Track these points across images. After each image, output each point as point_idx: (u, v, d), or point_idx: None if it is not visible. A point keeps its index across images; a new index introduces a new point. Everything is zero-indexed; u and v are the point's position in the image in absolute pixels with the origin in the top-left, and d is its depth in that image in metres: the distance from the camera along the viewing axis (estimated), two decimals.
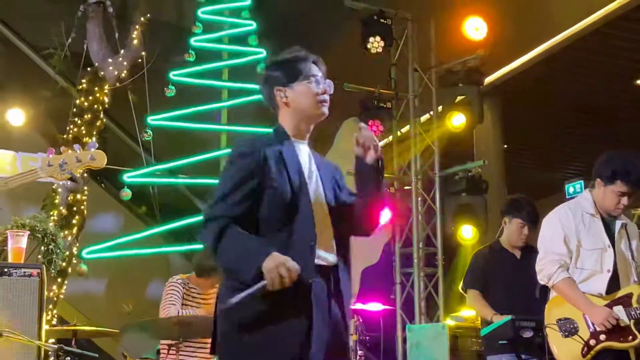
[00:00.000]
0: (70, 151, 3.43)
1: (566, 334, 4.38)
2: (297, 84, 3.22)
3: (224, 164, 3.26)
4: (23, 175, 3.39)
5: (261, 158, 3.07)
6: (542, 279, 4.54)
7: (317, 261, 3.05)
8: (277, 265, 2.85)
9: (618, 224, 4.60)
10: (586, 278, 4.46)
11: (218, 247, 2.97)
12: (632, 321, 4.31)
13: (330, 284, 3.09)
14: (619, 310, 4.31)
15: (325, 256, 3.10)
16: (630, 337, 4.30)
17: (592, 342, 4.31)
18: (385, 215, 8.99)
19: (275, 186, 3.06)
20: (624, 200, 4.50)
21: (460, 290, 6.16)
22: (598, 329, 4.30)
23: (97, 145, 3.51)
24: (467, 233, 9.01)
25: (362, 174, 3.18)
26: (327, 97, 3.25)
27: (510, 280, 5.62)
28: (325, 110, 3.24)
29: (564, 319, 4.42)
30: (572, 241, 4.50)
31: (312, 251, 3.03)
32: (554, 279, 4.43)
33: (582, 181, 11.69)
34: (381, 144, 10.08)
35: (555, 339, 4.42)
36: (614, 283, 4.45)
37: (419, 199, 9.42)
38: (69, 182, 8.10)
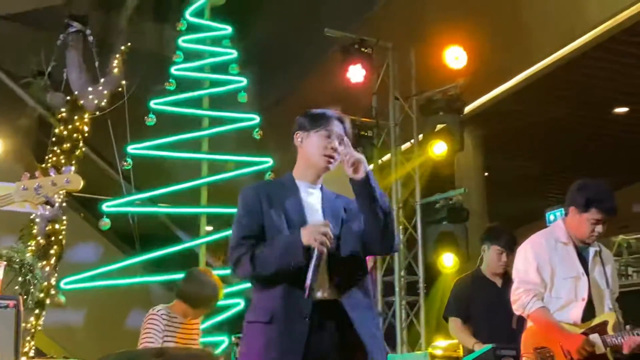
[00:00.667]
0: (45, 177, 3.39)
1: None
2: (313, 133, 3.48)
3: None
4: None
5: (262, 199, 3.38)
6: (517, 309, 4.53)
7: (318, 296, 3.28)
8: (312, 232, 3.16)
9: (591, 251, 4.59)
10: (562, 307, 4.45)
11: (257, 267, 3.24)
12: (608, 349, 4.29)
13: (331, 318, 3.29)
14: (594, 338, 4.30)
15: (322, 291, 3.30)
16: None
17: None
18: None
19: (274, 225, 3.34)
20: (598, 228, 4.49)
21: (442, 319, 6.15)
22: (574, 357, 4.28)
23: (72, 169, 3.48)
24: (448, 261, 9.00)
25: (358, 193, 3.34)
26: (334, 154, 3.43)
27: (492, 309, 5.61)
28: (329, 165, 3.45)
29: (540, 348, 4.40)
30: (545, 270, 4.49)
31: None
32: (529, 309, 4.42)
33: (562, 209, 11.76)
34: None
35: None
36: (589, 311, 4.43)
37: (401, 227, 9.42)
38: (47, 212, 8.03)
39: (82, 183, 3.37)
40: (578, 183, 4.62)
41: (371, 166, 9.54)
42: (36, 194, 3.28)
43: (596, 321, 4.39)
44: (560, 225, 4.64)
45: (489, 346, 5.27)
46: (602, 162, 13.83)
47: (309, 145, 3.48)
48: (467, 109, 9.96)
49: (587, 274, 4.49)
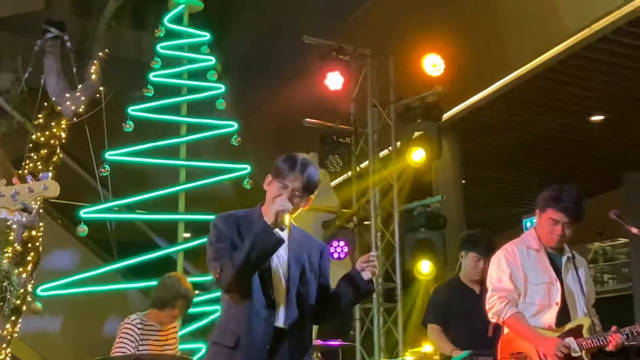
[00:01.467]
0: (21, 183, 3.38)
1: None
2: (275, 181, 3.64)
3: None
4: None
5: (234, 228, 3.59)
6: (492, 316, 4.59)
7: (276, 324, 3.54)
8: (271, 210, 3.44)
9: (563, 257, 4.65)
10: (536, 312, 4.51)
11: (236, 265, 3.41)
12: (583, 351, 4.35)
13: (285, 346, 3.54)
14: (570, 341, 4.36)
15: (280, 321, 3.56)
16: None
17: None
18: (344, 250, 8.99)
19: None
20: (557, 229, 4.53)
21: (421, 325, 6.18)
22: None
23: (50, 175, 3.48)
24: (424, 268, 9.03)
25: (354, 282, 3.68)
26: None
27: (470, 315, 5.64)
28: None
29: (517, 353, 4.46)
30: (518, 278, 4.56)
31: (268, 317, 3.52)
32: (504, 315, 4.48)
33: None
34: (340, 179, 10.15)
35: None
36: (563, 315, 4.49)
37: (378, 234, 9.44)
38: (24, 218, 7.98)
39: (59, 190, 3.36)
40: (546, 188, 4.69)
41: (349, 173, 9.60)
42: (13, 201, 3.26)
43: (570, 325, 4.46)
44: (532, 234, 4.72)
45: (466, 352, 5.31)
46: (578, 170, 13.95)
47: (269, 191, 3.68)
48: (445, 116, 10.01)
49: (560, 280, 4.55)
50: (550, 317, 4.49)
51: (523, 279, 4.54)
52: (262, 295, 3.52)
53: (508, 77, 10.52)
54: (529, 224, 12.10)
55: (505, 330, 4.61)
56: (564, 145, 13.11)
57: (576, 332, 4.42)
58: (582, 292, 4.59)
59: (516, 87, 10.66)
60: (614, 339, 4.33)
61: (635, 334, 4.39)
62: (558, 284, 4.54)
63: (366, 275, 3.65)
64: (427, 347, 7.08)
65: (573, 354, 4.33)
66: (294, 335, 3.57)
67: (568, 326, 4.45)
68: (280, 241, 3.45)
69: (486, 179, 14.58)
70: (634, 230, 4.70)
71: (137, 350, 5.10)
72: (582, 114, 12.04)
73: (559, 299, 4.50)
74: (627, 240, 17.03)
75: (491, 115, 11.62)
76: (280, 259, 3.62)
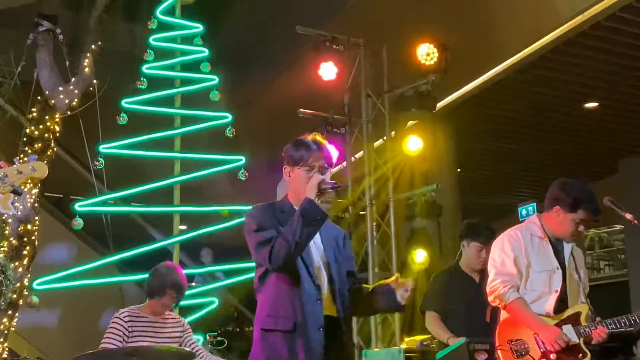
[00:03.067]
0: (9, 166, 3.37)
1: (517, 354, 4.42)
2: (298, 169, 3.76)
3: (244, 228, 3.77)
4: None
5: (272, 217, 3.69)
6: (493, 300, 4.58)
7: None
8: (311, 185, 3.58)
9: (567, 247, 4.68)
10: (536, 299, 4.53)
11: (289, 242, 3.48)
12: (581, 339, 4.38)
13: (333, 334, 3.61)
14: (568, 330, 4.38)
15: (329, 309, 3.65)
16: (580, 355, 4.37)
17: None
18: None
19: None
20: (582, 229, 4.61)
21: (418, 313, 6.20)
22: (548, 348, 4.36)
23: (37, 157, 3.47)
24: (419, 257, 9.05)
25: (385, 296, 3.75)
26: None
27: (469, 304, 5.67)
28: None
29: (515, 340, 4.47)
30: (522, 263, 4.56)
31: (318, 298, 3.62)
32: (506, 300, 4.47)
33: (534, 204, 11.88)
34: (335, 169, 10.15)
35: None
36: (562, 303, 4.52)
37: (374, 223, 9.45)
38: (19, 212, 7.98)
39: (47, 170, 3.36)
40: (562, 182, 4.70)
41: (344, 163, 9.60)
42: (2, 183, 3.25)
43: (569, 312, 4.48)
44: (536, 221, 4.72)
45: (462, 340, 5.32)
46: (572, 157, 13.97)
47: (295, 180, 3.77)
48: (439, 105, 10.02)
49: (563, 268, 4.57)
50: (549, 304, 4.51)
51: (526, 265, 4.55)
52: (309, 277, 3.61)
53: (502, 65, 10.52)
54: (524, 211, 12.11)
55: (504, 315, 4.62)
56: (558, 133, 13.12)
57: (574, 320, 4.44)
58: (581, 282, 4.63)
59: (510, 75, 10.67)
60: (599, 332, 4.36)
61: (620, 325, 4.40)
62: (560, 272, 4.56)
63: (400, 298, 3.70)
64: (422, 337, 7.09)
65: (570, 343, 4.36)
66: (342, 317, 3.68)
67: (567, 313, 4.47)
68: (326, 214, 3.57)
69: (481, 167, 14.59)
70: (629, 216, 4.72)
71: (127, 344, 5.10)
72: (577, 101, 12.05)
73: (559, 287, 4.53)
74: (622, 226, 17.06)
75: (485, 104, 11.63)
76: (315, 242, 3.72)
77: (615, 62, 10.67)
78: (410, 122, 9.35)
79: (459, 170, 12.66)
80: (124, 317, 5.23)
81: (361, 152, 9.73)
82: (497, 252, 4.67)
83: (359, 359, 7.84)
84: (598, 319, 4.46)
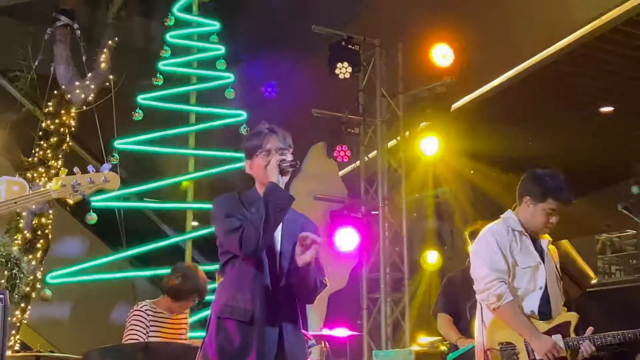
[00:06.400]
0: (82, 173, 3.39)
1: (507, 359, 4.28)
2: (256, 157, 3.76)
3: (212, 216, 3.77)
4: (36, 195, 3.33)
5: (240, 205, 3.66)
6: (486, 298, 4.36)
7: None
8: (271, 167, 3.61)
9: (544, 242, 4.57)
10: (520, 297, 4.38)
11: (260, 230, 3.47)
12: (569, 351, 4.27)
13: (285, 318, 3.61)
14: (557, 340, 4.25)
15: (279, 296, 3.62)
16: None
17: None
18: (353, 241, 9.01)
19: None
20: (553, 219, 4.48)
21: (429, 315, 6.20)
22: (540, 357, 4.23)
23: (110, 166, 3.48)
24: (431, 258, 9.05)
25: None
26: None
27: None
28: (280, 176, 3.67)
29: (505, 343, 4.31)
30: (508, 258, 4.42)
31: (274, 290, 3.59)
32: (502, 301, 4.29)
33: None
34: (348, 169, 10.16)
35: None
36: (545, 300, 4.39)
37: (386, 224, 9.45)
38: (33, 206, 8.02)
39: (119, 182, 3.39)
40: (530, 172, 4.66)
41: (358, 162, 9.61)
42: (73, 191, 3.28)
43: (559, 320, 4.36)
44: (512, 216, 4.61)
45: (473, 344, 5.30)
46: (587, 161, 13.90)
47: (255, 169, 3.77)
48: (454, 106, 10.00)
49: (544, 264, 4.47)
50: (533, 302, 4.37)
51: (512, 262, 4.42)
52: (268, 269, 3.59)
53: (517, 68, 10.48)
54: None
55: (491, 316, 4.43)
56: (573, 137, 13.07)
57: (564, 329, 4.32)
58: (560, 277, 4.55)
59: (525, 78, 10.62)
60: (585, 349, 4.25)
61: (606, 341, 4.28)
62: (542, 267, 4.44)
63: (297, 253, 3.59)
64: (432, 338, 7.10)
65: (560, 354, 4.24)
66: (290, 304, 3.64)
67: (556, 320, 4.34)
68: (291, 196, 3.58)
69: (494, 169, 14.55)
70: None
71: (147, 337, 5.14)
72: (592, 105, 12.00)
73: (543, 284, 4.41)
74: (635, 231, 16.98)
75: (500, 106, 11.59)
76: (274, 236, 3.68)
77: (631, 67, 10.62)
78: (424, 123, 9.35)
79: (472, 172, 12.63)
80: (145, 310, 5.26)
81: (374, 152, 9.73)
82: (483, 248, 4.50)
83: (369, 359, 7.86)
84: (590, 330, 4.32)
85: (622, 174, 14.57)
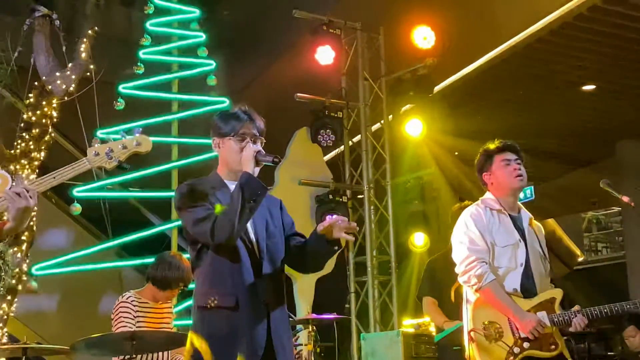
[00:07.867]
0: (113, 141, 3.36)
1: (491, 339, 4.29)
2: (228, 139, 3.69)
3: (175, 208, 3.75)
4: (73, 168, 3.30)
5: (204, 193, 3.61)
6: (468, 280, 4.38)
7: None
8: (245, 156, 3.56)
9: (524, 217, 4.61)
10: (502, 275, 4.39)
11: (235, 220, 3.41)
12: (554, 328, 4.29)
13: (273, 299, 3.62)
14: (542, 317, 4.27)
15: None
16: (553, 347, 4.28)
17: (516, 349, 4.25)
18: None
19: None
20: (514, 166, 4.65)
21: (416, 299, 6.22)
22: (524, 336, 4.26)
23: (141, 130, 3.43)
24: (418, 240, 9.07)
25: (316, 241, 3.72)
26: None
27: None
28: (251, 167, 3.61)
29: (489, 323, 4.32)
30: (487, 239, 4.44)
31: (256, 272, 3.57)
32: (484, 281, 4.30)
33: (532, 186, 11.87)
34: (333, 153, 10.16)
35: (481, 345, 4.30)
36: (527, 278, 4.40)
37: (372, 207, 9.47)
38: None
39: (151, 144, 3.35)
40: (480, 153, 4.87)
41: (342, 147, 9.61)
42: (108, 159, 3.25)
43: (543, 297, 4.37)
44: (490, 196, 4.66)
45: (459, 324, 5.33)
46: (571, 139, 13.95)
47: (226, 152, 3.71)
48: (436, 88, 10.00)
49: (525, 241, 4.49)
50: (514, 279, 4.38)
51: (491, 241, 4.44)
52: (246, 251, 3.56)
53: (499, 48, 10.47)
54: (522, 194, 12.09)
55: (470, 295, 4.46)
56: (556, 115, 13.10)
57: (549, 306, 4.33)
58: (544, 255, 4.55)
59: (507, 57, 10.62)
60: (578, 322, 4.28)
61: (598, 315, 4.32)
62: (523, 244, 4.46)
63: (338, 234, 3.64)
64: (420, 320, 7.13)
65: (545, 331, 4.26)
66: (274, 287, 3.62)
67: (541, 297, 4.35)
68: (265, 187, 3.53)
69: (478, 150, 14.58)
70: (625, 199, 4.71)
71: (135, 327, 5.14)
72: (574, 84, 12.02)
73: (523, 260, 4.42)
74: (620, 209, 17.09)
75: (482, 87, 11.59)
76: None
77: (613, 45, 10.63)
78: (408, 106, 9.35)
79: (456, 153, 12.65)
80: (130, 300, 5.27)
81: (359, 136, 9.74)
82: (462, 229, 4.53)
83: (358, 342, 7.89)
84: (577, 307, 4.34)
85: (605, 152, 14.63)
